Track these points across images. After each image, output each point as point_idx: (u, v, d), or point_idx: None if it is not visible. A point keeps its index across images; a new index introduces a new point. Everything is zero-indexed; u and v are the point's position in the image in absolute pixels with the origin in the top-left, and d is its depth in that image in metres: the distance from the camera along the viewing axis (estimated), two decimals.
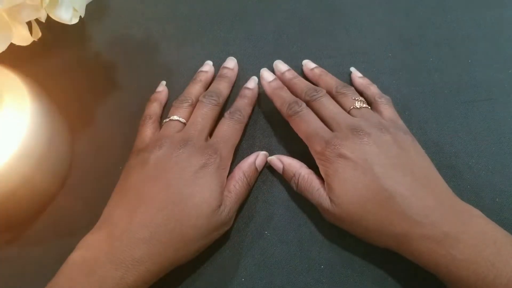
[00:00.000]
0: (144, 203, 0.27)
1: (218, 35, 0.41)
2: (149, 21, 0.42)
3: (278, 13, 0.42)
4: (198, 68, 0.38)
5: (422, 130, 0.36)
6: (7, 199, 0.29)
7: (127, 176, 0.30)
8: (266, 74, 0.35)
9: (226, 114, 0.33)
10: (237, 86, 0.38)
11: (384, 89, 0.36)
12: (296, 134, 0.32)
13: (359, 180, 0.28)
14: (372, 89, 0.35)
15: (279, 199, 0.33)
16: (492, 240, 0.25)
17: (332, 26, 0.41)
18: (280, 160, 0.33)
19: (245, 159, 0.33)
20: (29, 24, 0.31)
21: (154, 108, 0.35)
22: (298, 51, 0.40)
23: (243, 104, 0.34)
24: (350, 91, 0.34)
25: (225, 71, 0.37)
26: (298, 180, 0.31)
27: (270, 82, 0.35)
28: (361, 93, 0.35)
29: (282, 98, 0.33)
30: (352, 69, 0.38)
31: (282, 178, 0.33)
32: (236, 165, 0.33)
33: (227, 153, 0.31)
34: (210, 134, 0.32)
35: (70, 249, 0.26)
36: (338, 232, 0.30)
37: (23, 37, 0.31)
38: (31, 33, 0.32)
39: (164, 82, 0.38)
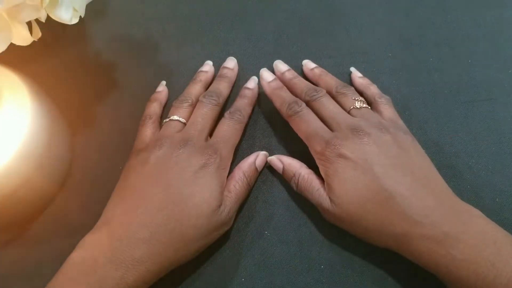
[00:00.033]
0: (144, 203, 0.27)
1: (218, 35, 0.41)
2: (149, 21, 0.42)
3: (278, 13, 0.42)
4: (198, 68, 0.38)
5: (422, 130, 0.36)
6: (7, 199, 0.29)
7: (127, 176, 0.30)
8: (266, 74, 0.35)
9: (226, 114, 0.33)
10: (237, 86, 0.38)
11: (384, 89, 0.36)
12: (296, 134, 0.32)
13: (359, 180, 0.28)
14: (372, 89, 0.35)
15: (279, 199, 0.33)
16: (492, 240, 0.25)
17: (332, 26, 0.41)
18: (280, 160, 0.33)
19: (245, 159, 0.33)
20: (29, 24, 0.31)
21: (154, 108, 0.35)
22: (298, 51, 0.40)
23: (243, 104, 0.34)
24: (350, 91, 0.34)
25: (225, 71, 0.37)
26: (298, 180, 0.31)
27: (269, 82, 0.35)
28: (361, 93, 0.35)
29: (281, 98, 0.33)
30: (352, 69, 0.38)
31: (282, 178, 0.33)
32: (236, 165, 0.33)
33: (227, 153, 0.31)
34: (210, 134, 0.32)
35: (70, 249, 0.26)
36: (338, 232, 0.30)
37: (23, 37, 0.31)
38: (31, 33, 0.32)
39: (164, 82, 0.38)
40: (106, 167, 0.34)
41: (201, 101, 0.33)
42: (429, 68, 0.39)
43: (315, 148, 0.30)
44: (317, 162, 0.30)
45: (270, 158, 0.34)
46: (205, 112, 0.32)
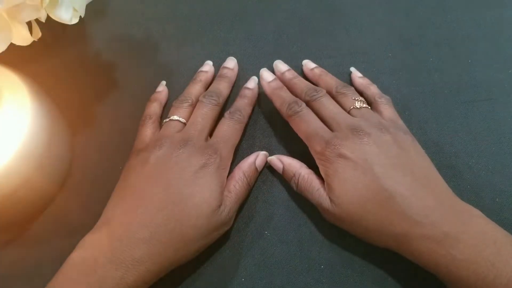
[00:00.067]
0: (144, 203, 0.27)
1: (218, 35, 0.41)
2: (149, 21, 0.42)
3: (278, 13, 0.42)
4: (198, 68, 0.38)
5: (422, 130, 0.36)
6: (7, 199, 0.29)
7: (127, 176, 0.30)
8: (266, 74, 0.35)
9: (226, 114, 0.33)
10: (237, 86, 0.38)
11: (384, 89, 0.36)
12: (296, 134, 0.32)
13: (359, 180, 0.28)
14: (372, 89, 0.35)
15: (279, 199, 0.33)
16: (492, 240, 0.25)
17: (332, 26, 0.41)
18: (280, 160, 0.33)
19: (245, 159, 0.33)
20: (29, 24, 0.31)
21: (154, 108, 0.35)
22: (298, 51, 0.40)
23: (243, 104, 0.34)
24: (350, 91, 0.34)
25: (225, 71, 0.37)
26: (298, 180, 0.31)
27: (269, 82, 0.35)
28: (361, 93, 0.35)
29: (281, 98, 0.33)
30: (352, 69, 0.38)
31: (282, 178, 0.33)
32: (236, 165, 0.33)
33: (227, 153, 0.31)
34: (210, 134, 0.32)
35: (70, 249, 0.26)
36: (338, 232, 0.30)
37: (23, 37, 0.31)
38: (31, 33, 0.32)
39: (164, 82, 0.38)
40: (106, 167, 0.34)
41: (201, 101, 0.33)
42: (429, 68, 0.39)
43: (315, 148, 0.30)
44: (317, 162, 0.30)
45: (270, 158, 0.34)
46: (205, 112, 0.32)
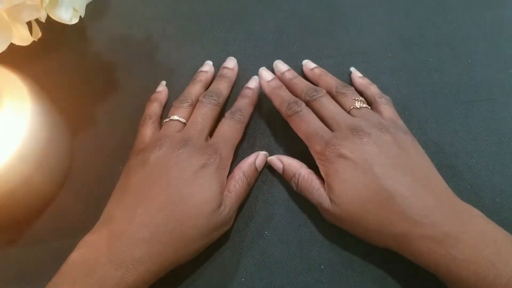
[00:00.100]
0: (144, 203, 0.27)
1: (218, 35, 0.41)
2: (149, 21, 0.42)
3: (278, 13, 0.42)
4: (198, 68, 0.38)
5: (422, 130, 0.36)
6: (7, 199, 0.29)
7: (127, 176, 0.30)
8: (265, 74, 0.35)
9: (227, 114, 0.33)
10: (237, 86, 0.38)
11: (384, 89, 0.36)
12: (296, 134, 0.32)
13: (359, 180, 0.28)
14: (372, 89, 0.35)
15: (279, 199, 0.33)
16: (492, 240, 0.25)
17: (332, 26, 0.41)
18: (280, 160, 0.33)
19: (245, 159, 0.33)
20: (29, 24, 0.31)
21: (154, 108, 0.35)
22: (298, 51, 0.40)
23: (244, 104, 0.34)
24: (350, 91, 0.34)
25: (225, 71, 0.37)
26: (298, 180, 0.31)
27: (269, 81, 0.35)
28: (361, 93, 0.35)
29: (281, 98, 0.33)
30: (352, 69, 0.38)
31: (282, 178, 0.33)
32: (236, 165, 0.33)
33: (227, 153, 0.31)
34: (211, 134, 0.32)
35: (70, 249, 0.26)
36: (338, 232, 0.30)
37: (23, 37, 0.31)
38: (31, 33, 0.32)
39: (164, 82, 0.38)
40: (106, 167, 0.34)
41: (201, 101, 0.33)
42: (429, 68, 0.39)
43: (315, 148, 0.30)
44: (317, 162, 0.30)
45: (270, 158, 0.34)
46: (205, 112, 0.32)
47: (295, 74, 0.36)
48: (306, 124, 0.31)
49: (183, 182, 0.28)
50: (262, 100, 0.37)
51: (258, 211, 0.33)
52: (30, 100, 0.30)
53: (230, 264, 0.31)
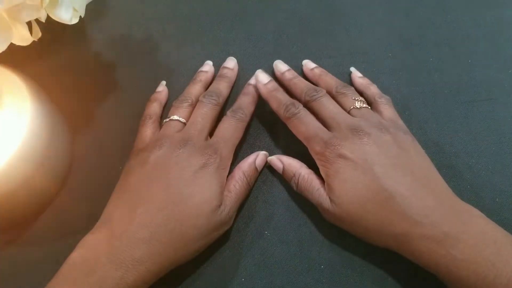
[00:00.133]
0: (144, 203, 0.27)
1: (218, 35, 0.41)
2: (149, 21, 0.42)
3: (278, 13, 0.42)
4: (198, 68, 0.38)
5: (422, 130, 0.36)
6: (7, 199, 0.29)
7: (127, 176, 0.30)
8: (261, 76, 0.35)
9: (228, 112, 0.33)
10: (237, 86, 0.38)
11: (384, 89, 0.36)
12: None
13: (359, 180, 0.28)
14: (372, 89, 0.35)
15: (279, 199, 0.33)
16: (492, 240, 0.25)
17: (332, 26, 0.41)
18: (280, 160, 0.33)
19: (245, 159, 0.33)
20: (29, 24, 0.31)
21: (154, 108, 0.35)
22: (298, 51, 0.40)
23: (246, 102, 0.34)
24: (350, 91, 0.34)
25: (225, 71, 0.37)
26: (298, 180, 0.31)
27: (265, 84, 0.34)
28: (361, 93, 0.35)
29: (278, 100, 0.33)
30: (352, 69, 0.38)
31: (282, 178, 0.33)
32: (236, 165, 0.33)
33: (227, 153, 0.31)
34: (211, 134, 0.32)
35: (70, 249, 0.26)
36: (338, 232, 0.30)
37: (23, 37, 0.31)
38: (31, 33, 0.32)
39: (164, 82, 0.38)
40: (106, 167, 0.34)
41: (201, 101, 0.33)
42: (429, 68, 0.39)
43: (314, 149, 0.30)
44: (317, 163, 0.30)
45: (270, 158, 0.34)
46: (205, 112, 0.32)
47: (295, 74, 0.36)
48: (305, 125, 0.31)
49: (183, 182, 0.28)
50: (262, 100, 0.37)
51: (258, 211, 0.33)
52: (30, 100, 0.30)
53: (230, 264, 0.31)
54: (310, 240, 0.32)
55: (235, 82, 0.38)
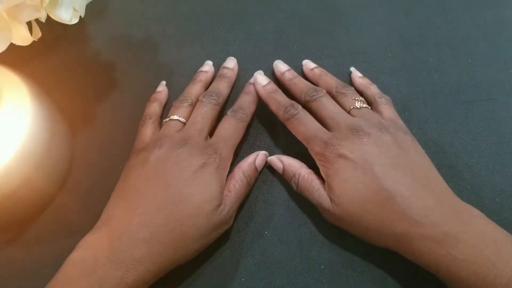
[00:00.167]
0: (144, 203, 0.27)
1: (218, 35, 0.41)
2: (149, 21, 0.42)
3: (278, 13, 0.42)
4: (198, 68, 0.38)
5: (422, 130, 0.36)
6: (7, 199, 0.29)
7: (127, 176, 0.30)
8: (260, 78, 0.35)
9: (229, 112, 0.33)
10: (237, 86, 0.38)
11: (384, 89, 0.36)
12: None
13: (359, 180, 0.28)
14: (372, 89, 0.35)
15: (279, 199, 0.33)
16: (493, 240, 0.25)
17: (332, 26, 0.41)
18: (280, 160, 0.33)
19: (245, 159, 0.33)
20: (29, 24, 0.31)
21: (154, 108, 0.35)
22: (298, 51, 0.40)
23: (247, 102, 0.34)
24: (350, 91, 0.34)
25: (225, 71, 0.37)
26: (298, 180, 0.31)
27: (264, 86, 0.34)
28: (361, 93, 0.35)
29: (277, 102, 0.33)
30: (352, 69, 0.38)
31: (282, 178, 0.33)
32: (236, 165, 0.33)
33: (227, 153, 0.31)
34: (211, 134, 0.32)
35: (70, 249, 0.26)
36: (338, 232, 0.30)
37: (23, 37, 0.31)
38: (31, 33, 0.32)
39: (164, 82, 0.38)
40: (106, 167, 0.34)
41: (201, 100, 0.33)
42: (429, 68, 0.39)
43: (314, 149, 0.30)
44: (317, 163, 0.30)
45: (270, 158, 0.34)
46: (205, 112, 0.32)
47: (295, 74, 0.36)
48: (304, 126, 0.31)
49: (183, 182, 0.28)
50: (263, 100, 0.37)
51: (258, 211, 0.33)
52: (30, 100, 0.30)
53: (230, 264, 0.31)
54: (310, 240, 0.32)
55: (235, 82, 0.38)
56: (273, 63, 0.38)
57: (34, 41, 0.32)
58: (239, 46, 0.40)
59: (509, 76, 0.38)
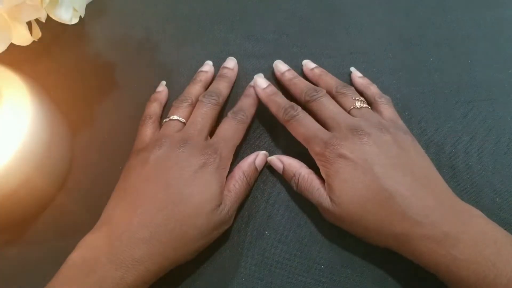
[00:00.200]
0: (144, 203, 0.27)
1: (218, 35, 0.41)
2: (149, 21, 0.42)
3: (278, 13, 0.42)
4: (198, 68, 0.38)
5: (422, 130, 0.36)
6: (7, 199, 0.29)
7: (127, 176, 0.30)
8: (260, 81, 0.35)
9: (229, 114, 0.33)
10: (237, 86, 0.38)
11: (384, 89, 0.36)
12: None
13: (359, 180, 0.28)
14: (372, 89, 0.35)
15: (279, 199, 0.33)
16: (493, 240, 0.25)
17: (332, 26, 0.41)
18: (280, 160, 0.33)
19: (245, 159, 0.33)
20: (29, 24, 0.31)
21: (154, 108, 0.35)
22: (298, 51, 0.40)
23: (247, 104, 0.34)
24: (350, 91, 0.34)
25: (225, 71, 0.37)
26: (298, 180, 0.31)
27: (264, 88, 0.34)
28: (361, 93, 0.35)
29: (277, 104, 0.33)
30: (352, 69, 0.38)
31: (282, 178, 0.33)
32: (236, 165, 0.33)
33: (227, 153, 0.31)
34: (211, 134, 0.32)
35: (70, 249, 0.26)
36: (338, 232, 0.30)
37: (23, 37, 0.31)
38: (31, 33, 0.32)
39: (164, 82, 0.38)
40: (106, 167, 0.34)
41: (201, 100, 0.33)
42: (429, 68, 0.39)
43: (314, 150, 0.30)
44: (318, 163, 0.30)
45: (270, 158, 0.34)
46: (205, 112, 0.32)
47: (295, 74, 0.36)
48: (304, 127, 0.31)
49: (182, 181, 0.28)
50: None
51: (258, 211, 0.33)
52: (30, 100, 0.30)
53: (230, 264, 0.31)
54: (310, 240, 0.32)
55: (235, 82, 0.38)
56: (273, 63, 0.38)
57: (34, 41, 0.32)
58: (239, 46, 0.40)
59: (509, 76, 0.38)
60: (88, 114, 0.37)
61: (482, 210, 0.27)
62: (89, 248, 0.26)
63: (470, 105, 0.37)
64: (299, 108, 0.32)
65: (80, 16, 0.33)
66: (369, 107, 0.33)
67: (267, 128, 0.36)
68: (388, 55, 0.39)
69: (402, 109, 0.36)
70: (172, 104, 0.34)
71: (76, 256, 0.26)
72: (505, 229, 0.26)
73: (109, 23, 0.42)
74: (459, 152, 0.35)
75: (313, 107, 0.33)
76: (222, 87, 0.35)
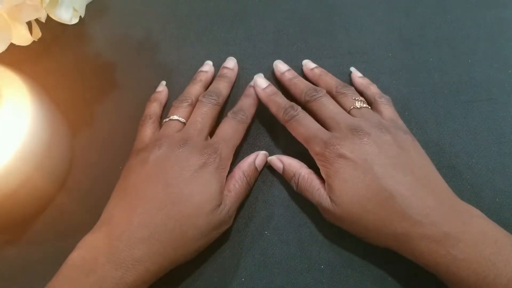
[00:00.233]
0: (143, 203, 0.27)
1: (218, 35, 0.41)
2: (149, 21, 0.42)
3: (278, 13, 0.42)
4: (198, 68, 0.38)
5: (422, 130, 0.36)
6: (7, 199, 0.29)
7: (127, 176, 0.30)
8: (260, 81, 0.35)
9: (229, 114, 0.33)
10: (237, 86, 0.38)
11: (384, 89, 0.36)
12: None
13: (359, 180, 0.28)
14: (372, 89, 0.35)
15: (279, 199, 0.33)
16: (493, 240, 0.25)
17: (332, 26, 0.41)
18: (280, 160, 0.33)
19: (245, 159, 0.33)
20: (29, 24, 0.31)
21: (154, 108, 0.35)
22: (298, 51, 0.40)
23: (248, 104, 0.34)
24: (350, 91, 0.34)
25: (225, 71, 0.37)
26: (298, 180, 0.31)
27: (264, 88, 0.34)
28: (361, 93, 0.35)
29: (277, 104, 0.33)
30: (352, 69, 0.38)
31: (282, 178, 0.33)
32: (236, 165, 0.33)
33: (227, 153, 0.31)
34: (211, 134, 0.32)
35: (70, 249, 0.26)
36: (338, 232, 0.30)
37: (23, 37, 0.31)
38: (31, 33, 0.32)
39: (164, 82, 0.38)
40: (106, 167, 0.34)
41: (200, 100, 0.33)
42: (429, 68, 0.39)
43: (314, 150, 0.30)
44: (318, 163, 0.30)
45: (270, 158, 0.34)
46: (205, 112, 0.32)
47: (295, 74, 0.36)
48: (304, 127, 0.31)
49: (182, 181, 0.28)
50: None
51: (258, 211, 0.33)
52: (30, 100, 0.30)
53: (230, 264, 0.31)
54: (310, 240, 0.32)
55: (235, 82, 0.38)
56: (273, 63, 0.38)
57: (34, 41, 0.32)
58: (239, 46, 0.40)
59: (509, 76, 0.38)
60: (88, 114, 0.37)
61: (482, 210, 0.27)
62: (89, 248, 0.26)
63: (470, 105, 0.37)
64: (299, 108, 0.32)
65: (80, 16, 0.33)
66: (369, 107, 0.33)
67: (267, 128, 0.36)
68: (388, 55, 0.39)
69: (402, 109, 0.36)
70: (172, 104, 0.34)
71: (76, 256, 0.26)
72: (505, 229, 0.26)
73: (109, 23, 0.42)
74: (459, 152, 0.35)
75: (313, 107, 0.32)
76: (222, 87, 0.35)
